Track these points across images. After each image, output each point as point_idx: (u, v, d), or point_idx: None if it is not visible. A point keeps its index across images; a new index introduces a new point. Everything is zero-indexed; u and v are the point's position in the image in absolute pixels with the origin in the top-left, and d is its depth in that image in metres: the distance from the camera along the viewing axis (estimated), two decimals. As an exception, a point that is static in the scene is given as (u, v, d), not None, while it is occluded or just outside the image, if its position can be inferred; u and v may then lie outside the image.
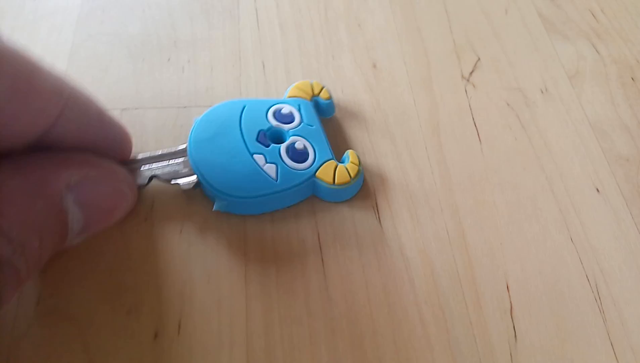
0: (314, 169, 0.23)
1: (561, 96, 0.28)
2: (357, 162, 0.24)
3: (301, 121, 0.24)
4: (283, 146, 0.23)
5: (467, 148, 0.26)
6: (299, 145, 0.23)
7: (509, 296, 0.22)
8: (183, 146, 0.23)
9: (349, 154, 0.24)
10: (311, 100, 0.26)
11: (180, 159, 0.23)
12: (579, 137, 0.27)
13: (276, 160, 0.23)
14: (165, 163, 0.23)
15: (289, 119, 0.24)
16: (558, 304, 0.22)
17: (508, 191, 0.25)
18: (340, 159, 0.24)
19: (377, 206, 0.24)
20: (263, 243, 0.23)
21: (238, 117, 0.24)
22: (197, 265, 0.22)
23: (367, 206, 0.24)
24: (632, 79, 0.29)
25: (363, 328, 0.21)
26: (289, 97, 0.25)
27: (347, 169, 0.23)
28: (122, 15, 0.30)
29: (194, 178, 0.22)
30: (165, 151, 0.23)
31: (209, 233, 0.23)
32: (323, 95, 0.26)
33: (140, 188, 0.22)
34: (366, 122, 0.27)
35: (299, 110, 0.25)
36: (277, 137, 0.24)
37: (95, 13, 0.30)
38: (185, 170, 0.23)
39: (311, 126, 0.24)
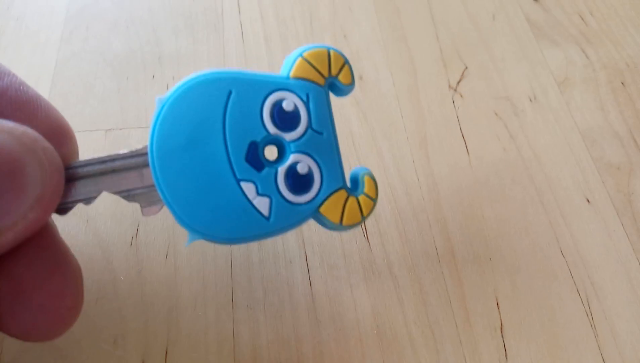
0: (318, 202, 0.18)
1: (550, 104, 0.28)
2: (373, 193, 0.18)
3: (308, 126, 0.18)
4: (281, 170, 0.17)
5: (455, 160, 0.26)
6: (302, 168, 0.17)
7: (499, 313, 0.22)
8: (143, 151, 0.17)
9: (364, 179, 0.19)
10: (325, 84, 0.18)
11: (143, 172, 0.17)
12: (568, 146, 0.26)
13: (270, 191, 0.17)
14: (119, 175, 0.17)
15: (291, 121, 0.18)
16: (549, 320, 0.22)
17: (497, 203, 0.25)
18: (349, 179, 0.19)
19: (364, 224, 0.24)
20: (250, 266, 0.23)
21: (222, 113, 0.17)
22: (184, 290, 0.22)
23: (355, 223, 0.24)
24: (622, 83, 0.29)
25: (352, 351, 0.21)
26: (295, 76, 0.18)
27: (359, 204, 0.18)
28: (105, 32, 0.30)
29: (159, 206, 0.17)
30: (119, 154, 0.17)
31: (195, 257, 0.23)
32: (343, 77, 0.18)
33: (85, 202, 0.16)
34: (352, 136, 0.26)
35: (307, 104, 0.18)
36: (274, 147, 0.18)
37: (79, 30, 0.30)
38: (145, 189, 0.17)
39: (320, 133, 0.18)
